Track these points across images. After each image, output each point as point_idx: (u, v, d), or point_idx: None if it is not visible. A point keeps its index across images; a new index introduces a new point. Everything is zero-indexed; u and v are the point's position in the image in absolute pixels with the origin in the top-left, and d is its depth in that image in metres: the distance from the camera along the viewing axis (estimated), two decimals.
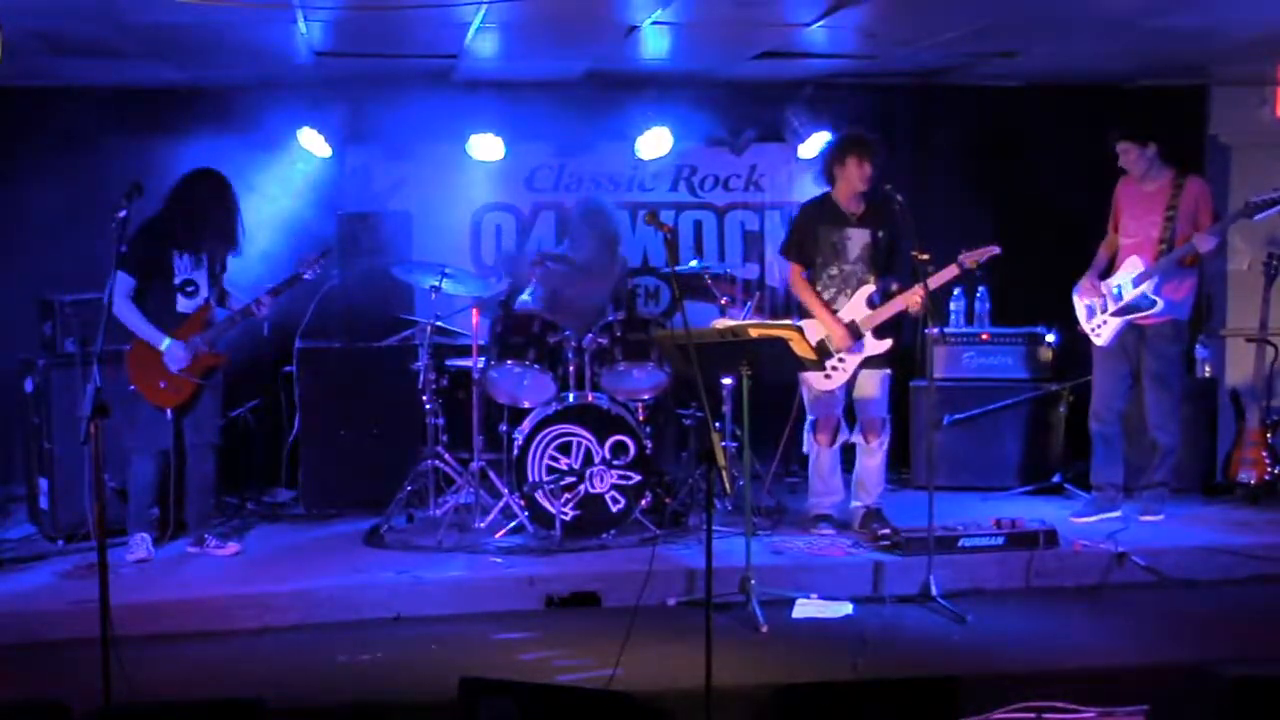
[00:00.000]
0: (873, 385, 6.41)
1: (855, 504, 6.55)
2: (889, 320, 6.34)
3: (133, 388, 6.01)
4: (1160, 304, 6.47)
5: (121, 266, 5.86)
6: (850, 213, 6.41)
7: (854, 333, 6.31)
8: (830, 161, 6.43)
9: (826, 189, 6.50)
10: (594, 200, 7.38)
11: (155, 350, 5.97)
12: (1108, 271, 6.73)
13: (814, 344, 6.25)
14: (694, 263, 7.37)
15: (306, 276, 6.25)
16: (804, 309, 6.50)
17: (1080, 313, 6.77)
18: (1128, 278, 6.55)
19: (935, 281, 6.14)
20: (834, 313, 6.36)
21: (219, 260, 6.22)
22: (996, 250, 6.17)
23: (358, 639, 5.27)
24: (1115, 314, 6.59)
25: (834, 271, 6.42)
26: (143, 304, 5.99)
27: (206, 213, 6.05)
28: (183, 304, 6.08)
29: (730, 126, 7.83)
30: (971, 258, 6.15)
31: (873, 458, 6.48)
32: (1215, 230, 6.38)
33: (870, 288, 6.35)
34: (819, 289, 6.42)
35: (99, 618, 4.18)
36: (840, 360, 6.34)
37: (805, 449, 6.61)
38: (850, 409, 6.54)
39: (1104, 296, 6.64)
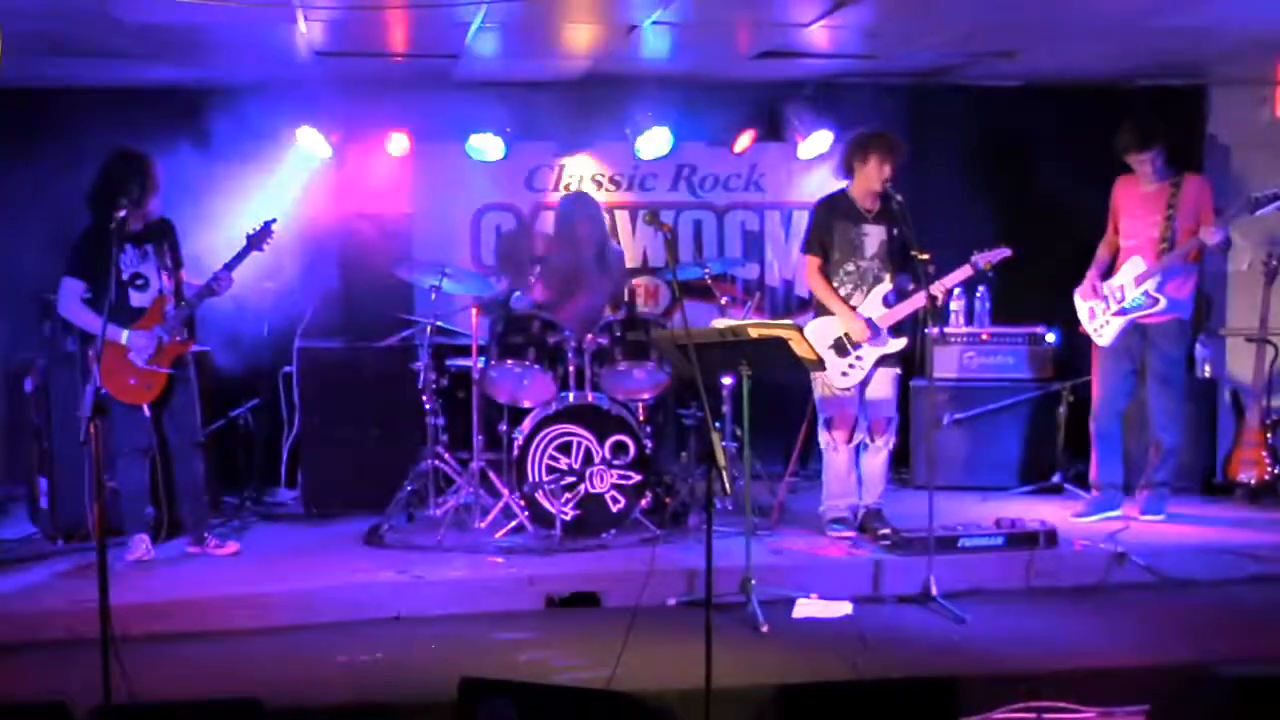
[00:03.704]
0: (885, 384, 6.40)
1: (856, 502, 6.54)
2: (902, 320, 6.34)
3: (104, 391, 5.90)
4: (1163, 302, 6.47)
5: (68, 272, 5.86)
6: (866, 209, 6.37)
7: (872, 327, 6.30)
8: (851, 156, 6.38)
9: (842, 184, 6.47)
10: (577, 196, 7.35)
11: (118, 347, 5.89)
12: (1109, 272, 6.74)
13: (831, 341, 6.26)
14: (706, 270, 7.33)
15: (258, 249, 6.11)
16: (820, 307, 6.46)
17: (1082, 314, 6.77)
18: (1129, 277, 6.55)
19: (949, 282, 6.16)
20: (853, 307, 6.35)
21: (168, 253, 6.12)
22: (1008, 252, 6.16)
23: (358, 639, 5.26)
24: (1117, 314, 6.59)
25: (850, 268, 6.38)
26: (98, 305, 5.84)
27: (116, 190, 5.80)
28: (136, 298, 5.99)
29: (730, 126, 7.83)
30: (985, 259, 6.14)
31: (877, 456, 6.47)
32: (1221, 223, 6.37)
33: (886, 286, 6.32)
34: (835, 285, 6.38)
35: (99, 618, 4.18)
36: (858, 358, 6.33)
37: (822, 447, 6.57)
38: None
39: (1106, 297, 6.64)
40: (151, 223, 6.08)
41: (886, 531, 6.19)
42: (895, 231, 6.29)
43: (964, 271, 6.19)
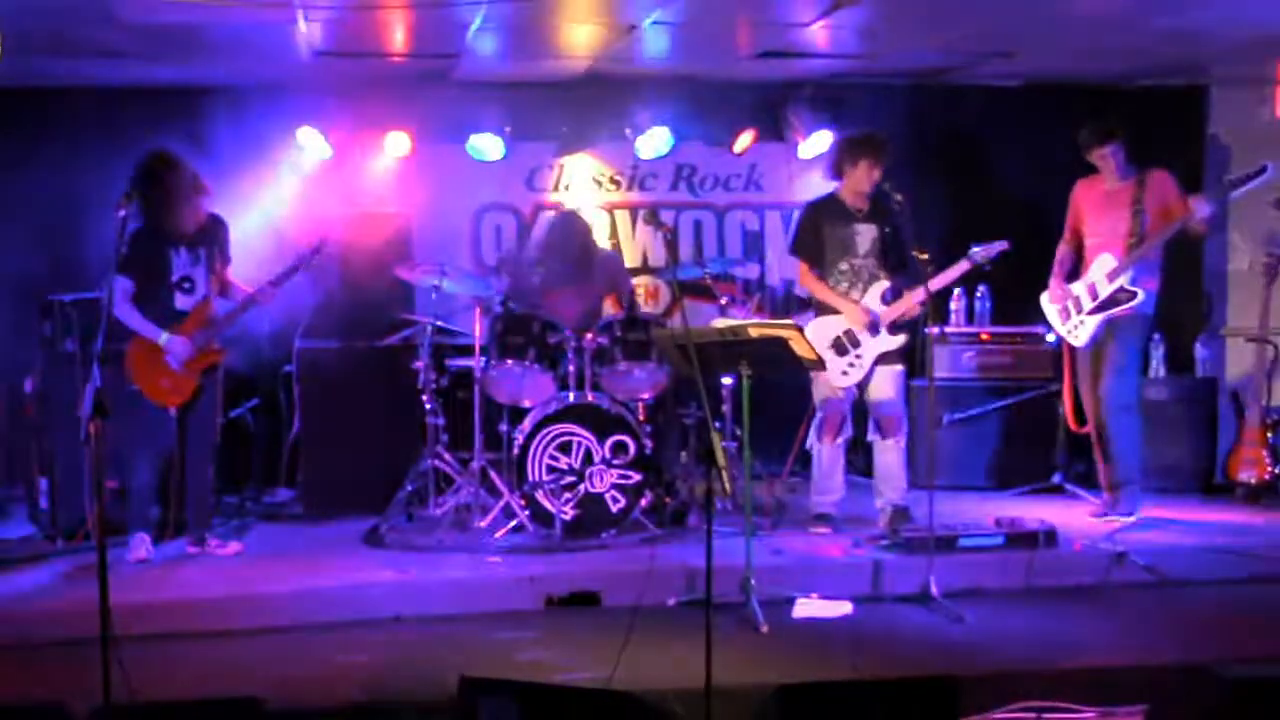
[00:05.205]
0: (887, 382, 6.41)
1: (880, 502, 6.53)
2: (901, 319, 6.35)
3: (134, 387, 5.94)
4: (1141, 295, 6.45)
5: (120, 270, 5.85)
6: (856, 209, 6.43)
7: (873, 317, 6.31)
8: (841, 159, 6.43)
9: (832, 185, 6.51)
10: (562, 216, 7.32)
11: (156, 348, 5.92)
12: (1074, 273, 6.72)
13: (830, 341, 6.27)
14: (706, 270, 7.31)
15: (306, 267, 6.18)
16: (821, 307, 6.46)
17: (1053, 317, 6.76)
18: (1101, 274, 6.53)
19: (947, 278, 6.18)
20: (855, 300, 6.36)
21: (217, 254, 6.15)
22: (1005, 245, 6.19)
23: (358, 639, 5.27)
24: (1092, 312, 6.57)
25: (844, 267, 6.42)
26: (142, 304, 5.92)
27: (179, 194, 5.89)
28: (181, 301, 6.02)
29: (730, 126, 7.84)
30: (983, 253, 6.17)
31: (891, 454, 6.47)
32: (1208, 197, 6.38)
33: (884, 284, 6.37)
34: (831, 284, 6.42)
35: (99, 618, 4.17)
36: (858, 356, 6.34)
37: (808, 445, 6.60)
38: (859, 406, 6.53)
39: (1077, 297, 6.63)
40: (205, 223, 6.09)
41: (881, 532, 6.18)
42: (887, 230, 6.37)
43: (962, 267, 6.20)
